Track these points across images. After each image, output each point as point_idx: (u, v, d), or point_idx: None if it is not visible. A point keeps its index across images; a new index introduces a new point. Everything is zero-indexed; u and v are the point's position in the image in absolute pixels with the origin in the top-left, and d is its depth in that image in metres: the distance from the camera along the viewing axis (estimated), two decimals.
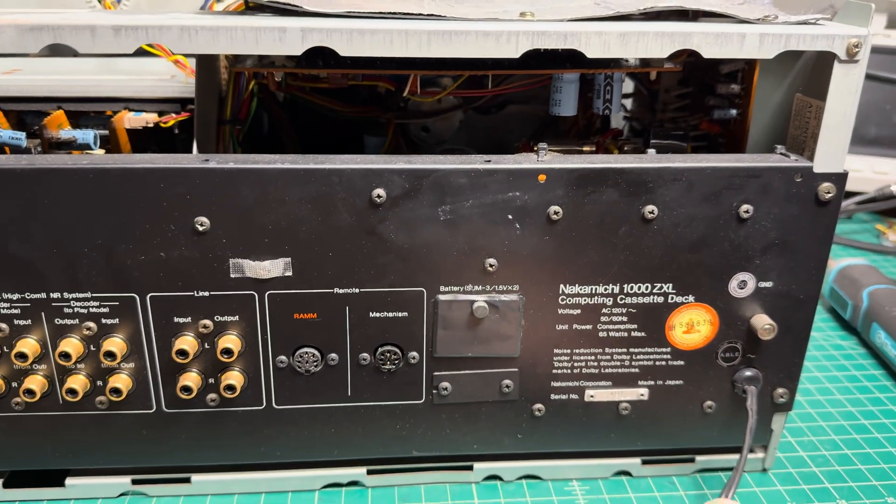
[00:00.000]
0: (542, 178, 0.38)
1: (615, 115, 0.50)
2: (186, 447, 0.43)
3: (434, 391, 0.43)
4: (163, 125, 0.46)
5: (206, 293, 0.40)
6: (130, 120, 0.46)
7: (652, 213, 0.39)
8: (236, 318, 0.40)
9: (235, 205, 0.37)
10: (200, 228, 0.38)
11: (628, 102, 0.62)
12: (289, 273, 0.39)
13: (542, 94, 0.60)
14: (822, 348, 0.66)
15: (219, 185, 0.37)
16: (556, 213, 0.39)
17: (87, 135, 0.45)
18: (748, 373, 0.44)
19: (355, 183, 0.38)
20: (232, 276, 0.39)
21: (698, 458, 0.48)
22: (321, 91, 0.52)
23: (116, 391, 0.41)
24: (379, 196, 0.38)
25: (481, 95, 0.52)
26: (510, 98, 0.61)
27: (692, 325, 0.42)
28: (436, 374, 0.42)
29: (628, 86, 0.59)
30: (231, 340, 0.41)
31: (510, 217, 0.39)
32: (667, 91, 0.55)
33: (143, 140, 0.47)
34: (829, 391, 0.60)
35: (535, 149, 0.40)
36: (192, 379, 0.41)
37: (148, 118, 0.47)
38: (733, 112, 0.48)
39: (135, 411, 0.42)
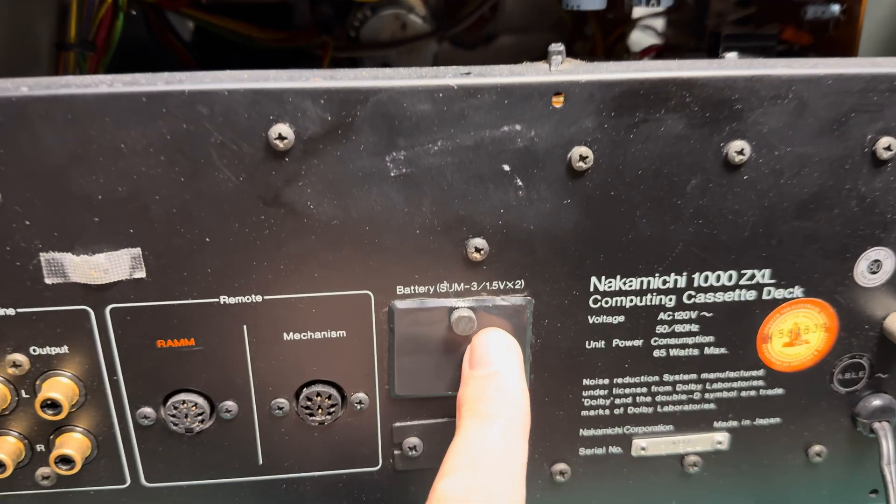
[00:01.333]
0: (557, 100, 0.25)
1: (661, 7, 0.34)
2: None
3: (396, 452, 0.31)
4: None
5: (11, 311, 0.26)
6: None
7: (741, 153, 0.27)
8: (64, 349, 0.27)
9: (38, 161, 0.24)
10: None
11: (659, 24, 0.46)
12: (140, 273, 0.26)
13: (545, 19, 0.46)
14: None
15: (6, 127, 0.24)
16: (582, 158, 0.26)
17: None
18: (878, 401, 0.33)
19: (238, 115, 0.24)
20: (48, 280, 0.26)
21: None
22: (228, 9, 0.36)
23: None
24: (281, 137, 0.24)
25: None
26: (502, 25, 0.46)
27: (798, 334, 0.31)
28: (396, 425, 0.30)
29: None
30: (58, 386, 0.28)
31: (506, 168, 0.26)
32: None
33: None
34: None
35: (547, 55, 0.25)
36: (6, 448, 0.28)
37: None
38: (835, 9, 0.35)
39: None
